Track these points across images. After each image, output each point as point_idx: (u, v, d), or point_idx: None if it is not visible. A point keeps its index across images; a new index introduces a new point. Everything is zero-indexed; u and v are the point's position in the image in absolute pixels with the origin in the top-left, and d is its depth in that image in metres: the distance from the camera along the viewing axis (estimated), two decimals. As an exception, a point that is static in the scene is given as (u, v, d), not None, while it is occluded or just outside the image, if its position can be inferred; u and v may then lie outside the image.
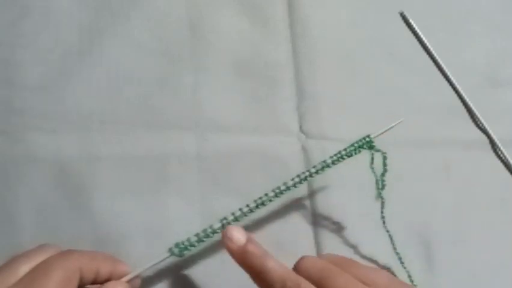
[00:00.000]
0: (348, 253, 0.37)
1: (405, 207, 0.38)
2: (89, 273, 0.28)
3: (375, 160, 0.34)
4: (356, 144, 0.34)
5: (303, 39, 0.41)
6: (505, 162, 0.42)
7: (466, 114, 0.43)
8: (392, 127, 0.35)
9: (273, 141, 0.39)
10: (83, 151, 0.35)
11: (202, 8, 0.40)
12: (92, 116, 0.36)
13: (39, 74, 0.36)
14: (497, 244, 0.40)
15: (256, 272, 0.28)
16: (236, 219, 0.31)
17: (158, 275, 0.34)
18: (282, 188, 0.32)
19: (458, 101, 0.43)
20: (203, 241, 0.30)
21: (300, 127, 0.40)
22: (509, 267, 0.39)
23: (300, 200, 0.38)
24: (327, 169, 0.33)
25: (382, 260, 0.37)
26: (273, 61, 0.40)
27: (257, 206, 0.31)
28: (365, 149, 0.34)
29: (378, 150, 0.34)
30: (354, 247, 0.37)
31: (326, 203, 0.38)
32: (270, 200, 0.32)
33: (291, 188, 0.32)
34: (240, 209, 0.31)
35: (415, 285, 0.34)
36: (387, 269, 0.36)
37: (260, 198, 0.31)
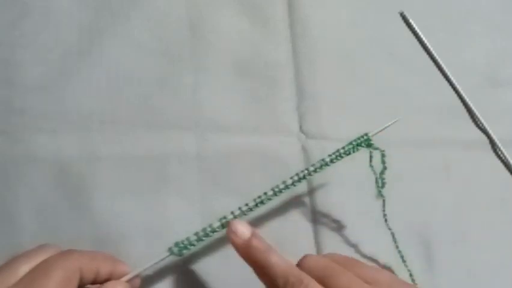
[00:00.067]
0: (348, 252, 0.37)
1: (405, 207, 0.38)
2: (89, 273, 0.28)
3: (374, 159, 0.34)
4: (354, 143, 0.34)
5: (303, 39, 0.41)
6: (505, 162, 0.42)
7: (466, 114, 0.43)
8: (389, 125, 0.35)
9: (273, 141, 0.39)
10: (83, 151, 0.35)
11: (202, 8, 0.40)
12: (92, 116, 0.36)
13: (39, 74, 0.36)
14: (497, 244, 0.40)
15: (260, 267, 0.28)
16: (235, 218, 0.31)
17: (158, 275, 0.34)
18: (281, 186, 0.32)
19: (458, 101, 0.43)
20: (202, 240, 0.30)
21: (300, 127, 0.40)
22: (509, 267, 0.39)
23: (300, 199, 0.38)
24: (325, 167, 0.33)
25: (382, 259, 0.37)
26: (273, 61, 0.40)
27: (256, 205, 0.31)
28: (363, 147, 0.34)
29: (376, 148, 0.34)
30: (354, 246, 0.37)
31: (326, 202, 0.38)
32: (269, 199, 0.32)
33: (290, 186, 0.32)
34: (240, 208, 0.31)
35: (416, 284, 0.34)
36: (388, 268, 0.36)
37: (259, 197, 0.31)
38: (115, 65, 0.37)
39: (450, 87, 0.43)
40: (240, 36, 0.40)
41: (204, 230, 0.30)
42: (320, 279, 0.27)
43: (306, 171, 0.32)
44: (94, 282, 0.29)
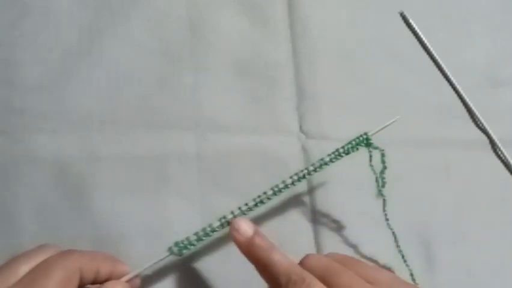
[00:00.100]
0: (348, 252, 0.37)
1: (405, 207, 0.38)
2: (89, 273, 0.28)
3: (374, 159, 0.34)
4: (353, 142, 0.34)
5: (303, 39, 0.41)
6: (505, 162, 0.42)
7: (466, 114, 0.43)
8: (388, 125, 0.35)
9: (273, 141, 0.39)
10: (83, 151, 0.35)
11: (202, 8, 0.40)
12: (92, 116, 0.36)
13: (39, 74, 0.36)
14: (497, 244, 0.40)
15: (262, 265, 0.28)
16: (235, 218, 0.31)
17: (158, 275, 0.34)
18: (281, 186, 0.32)
19: (458, 101, 0.43)
20: (202, 240, 0.30)
21: (300, 127, 0.40)
22: (509, 267, 0.39)
23: (300, 199, 0.38)
24: (325, 167, 0.33)
25: (382, 259, 0.37)
26: (273, 61, 0.40)
27: (256, 205, 0.31)
28: (362, 146, 0.34)
29: (376, 148, 0.34)
30: (354, 246, 0.37)
31: (326, 202, 0.38)
32: (269, 199, 0.32)
33: (289, 186, 0.32)
34: (239, 208, 0.31)
35: (417, 284, 0.34)
36: (388, 268, 0.36)
37: (259, 196, 0.31)
38: (115, 65, 0.37)
39: (450, 87, 0.43)
40: (240, 36, 0.40)
41: (203, 229, 0.30)
42: (321, 278, 0.27)
43: (305, 171, 0.32)
44: (94, 282, 0.29)
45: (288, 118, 0.40)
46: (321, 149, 0.38)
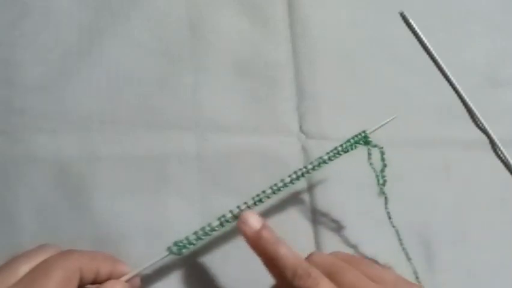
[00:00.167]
0: (348, 251, 0.37)
1: (405, 207, 0.38)
2: (89, 273, 0.28)
3: (374, 157, 0.34)
4: (351, 140, 0.34)
5: (303, 39, 0.41)
6: (505, 162, 0.42)
7: (466, 114, 0.43)
8: (386, 122, 0.35)
9: (273, 141, 0.39)
10: (83, 151, 0.35)
11: (202, 8, 0.40)
12: (92, 116, 0.36)
13: (39, 74, 0.36)
14: (497, 244, 0.40)
15: (269, 258, 0.29)
16: (234, 217, 0.31)
17: (158, 274, 0.34)
18: (280, 184, 0.32)
19: (458, 101, 0.43)
20: (201, 239, 0.30)
21: (300, 127, 0.40)
22: (509, 267, 0.39)
23: (299, 198, 0.38)
24: (323, 165, 0.33)
25: (382, 259, 0.37)
26: (273, 61, 0.40)
27: (255, 203, 0.31)
28: (361, 144, 0.34)
29: (374, 146, 0.34)
30: (354, 245, 0.37)
31: (326, 201, 0.38)
32: (268, 197, 0.32)
33: (288, 184, 0.32)
34: (238, 207, 0.31)
35: (420, 284, 0.34)
36: (388, 268, 0.36)
37: (258, 195, 0.31)
38: (115, 65, 0.37)
39: (450, 87, 0.43)
40: (240, 36, 0.40)
41: (202, 229, 0.30)
42: (326, 276, 0.28)
43: (304, 169, 0.32)
44: (94, 282, 0.29)
45: (288, 118, 0.40)
46: (321, 149, 0.38)
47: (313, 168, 0.33)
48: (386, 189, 0.35)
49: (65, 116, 0.36)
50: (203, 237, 0.30)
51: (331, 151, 0.33)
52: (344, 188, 0.38)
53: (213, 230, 0.30)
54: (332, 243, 0.37)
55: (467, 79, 0.43)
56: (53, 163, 0.34)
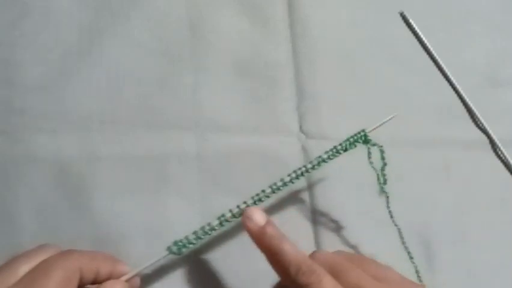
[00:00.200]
0: (348, 251, 0.37)
1: (405, 207, 0.38)
2: (89, 273, 0.28)
3: (374, 156, 0.34)
4: (351, 139, 0.34)
5: (303, 39, 0.41)
6: (505, 162, 0.42)
7: (466, 114, 0.43)
8: (386, 121, 0.35)
9: (273, 141, 0.39)
10: (83, 151, 0.35)
11: (202, 8, 0.40)
12: (92, 116, 0.36)
13: (39, 74, 0.36)
14: (497, 244, 0.40)
15: (273, 254, 0.29)
16: (234, 216, 0.31)
17: (158, 274, 0.34)
18: (279, 184, 0.32)
19: (458, 101, 0.43)
20: (201, 239, 0.30)
21: (300, 127, 0.40)
22: (509, 267, 0.39)
23: (299, 198, 0.38)
24: (323, 164, 0.33)
25: (382, 259, 0.37)
26: (273, 61, 0.40)
27: (255, 203, 0.31)
28: (360, 143, 0.34)
29: (374, 144, 0.34)
30: (354, 246, 0.37)
31: (326, 201, 0.38)
32: (267, 197, 0.32)
33: (288, 183, 0.32)
34: (238, 206, 0.31)
35: (423, 283, 0.34)
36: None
37: (257, 194, 0.31)
38: (115, 65, 0.37)
39: (450, 87, 0.43)
40: (240, 36, 0.40)
41: (202, 228, 0.30)
42: (330, 273, 0.28)
43: (303, 168, 0.32)
44: (94, 282, 0.29)
45: (288, 118, 0.40)
46: (321, 149, 0.38)
47: (313, 168, 0.33)
48: (386, 188, 0.35)
49: (65, 116, 0.36)
50: (203, 236, 0.30)
51: (330, 150, 0.33)
52: (344, 188, 0.38)
53: (212, 229, 0.30)
54: (331, 243, 0.37)
55: (467, 79, 0.43)
56: (53, 163, 0.34)
